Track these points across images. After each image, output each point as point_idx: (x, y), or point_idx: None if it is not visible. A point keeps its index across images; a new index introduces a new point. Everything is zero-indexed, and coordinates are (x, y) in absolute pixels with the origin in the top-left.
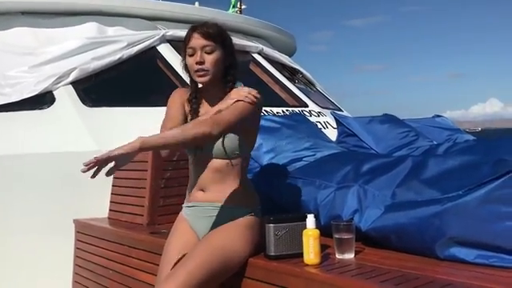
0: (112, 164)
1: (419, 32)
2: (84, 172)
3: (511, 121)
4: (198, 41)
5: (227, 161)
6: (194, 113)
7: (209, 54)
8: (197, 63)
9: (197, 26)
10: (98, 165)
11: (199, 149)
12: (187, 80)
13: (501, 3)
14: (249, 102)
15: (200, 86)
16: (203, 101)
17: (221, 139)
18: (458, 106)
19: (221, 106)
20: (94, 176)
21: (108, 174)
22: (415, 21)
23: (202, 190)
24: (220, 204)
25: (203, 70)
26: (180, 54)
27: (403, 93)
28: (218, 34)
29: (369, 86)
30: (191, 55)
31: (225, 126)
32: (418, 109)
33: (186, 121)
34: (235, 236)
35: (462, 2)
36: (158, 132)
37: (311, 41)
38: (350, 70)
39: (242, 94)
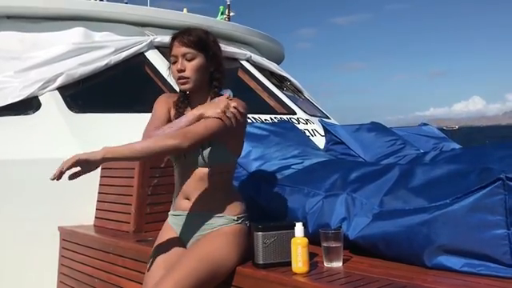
0: (77, 169)
1: (402, 30)
2: (52, 180)
3: (493, 118)
4: (178, 49)
5: (212, 170)
6: (179, 117)
7: (189, 61)
8: (178, 71)
9: (177, 34)
10: (63, 169)
11: (182, 156)
12: (175, 86)
13: (483, 2)
14: (226, 118)
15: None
16: (189, 106)
17: (201, 148)
18: (441, 103)
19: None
20: (58, 179)
21: (70, 177)
22: (399, 19)
23: (188, 199)
24: (206, 213)
25: (184, 77)
26: (168, 60)
27: (386, 91)
28: (198, 41)
29: (352, 85)
30: (174, 63)
31: (195, 139)
32: (402, 107)
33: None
34: (222, 244)
35: (445, 1)
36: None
37: (296, 38)
38: (333, 67)
39: (219, 110)
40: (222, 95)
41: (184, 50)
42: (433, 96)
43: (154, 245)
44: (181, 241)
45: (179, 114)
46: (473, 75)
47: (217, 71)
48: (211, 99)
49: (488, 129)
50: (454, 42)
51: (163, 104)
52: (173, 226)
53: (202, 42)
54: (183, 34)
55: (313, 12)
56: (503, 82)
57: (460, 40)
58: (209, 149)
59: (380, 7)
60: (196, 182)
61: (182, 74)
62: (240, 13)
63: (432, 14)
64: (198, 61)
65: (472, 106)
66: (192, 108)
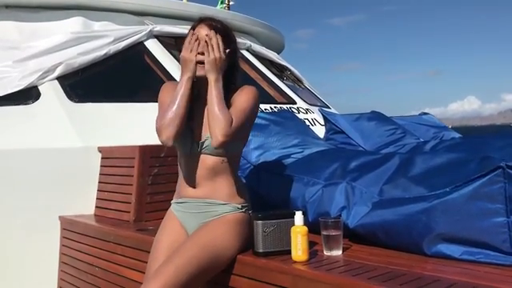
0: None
1: (399, 31)
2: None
3: (488, 118)
4: (204, 32)
5: (221, 158)
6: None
7: None
8: (199, 53)
9: (206, 18)
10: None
11: (195, 145)
12: (175, 76)
13: (478, 3)
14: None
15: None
16: (199, 97)
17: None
18: (436, 103)
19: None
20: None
21: None
22: (395, 20)
23: (194, 187)
24: (211, 200)
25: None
26: (168, 50)
27: (383, 91)
28: (227, 31)
29: (348, 85)
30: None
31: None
32: (398, 106)
33: None
34: (224, 232)
35: (441, 2)
36: (146, 128)
37: (293, 39)
38: (330, 68)
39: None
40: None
41: (211, 34)
42: (429, 96)
43: (158, 232)
44: (184, 227)
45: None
46: (468, 75)
47: (233, 66)
48: (227, 94)
49: (483, 128)
50: (449, 43)
51: (169, 94)
52: (176, 213)
53: (230, 33)
54: (213, 20)
55: (310, 13)
56: (499, 82)
57: (456, 40)
58: None
59: (377, 8)
60: (204, 171)
61: (204, 57)
62: (239, 3)
63: (428, 15)
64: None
65: (467, 106)
66: (204, 97)
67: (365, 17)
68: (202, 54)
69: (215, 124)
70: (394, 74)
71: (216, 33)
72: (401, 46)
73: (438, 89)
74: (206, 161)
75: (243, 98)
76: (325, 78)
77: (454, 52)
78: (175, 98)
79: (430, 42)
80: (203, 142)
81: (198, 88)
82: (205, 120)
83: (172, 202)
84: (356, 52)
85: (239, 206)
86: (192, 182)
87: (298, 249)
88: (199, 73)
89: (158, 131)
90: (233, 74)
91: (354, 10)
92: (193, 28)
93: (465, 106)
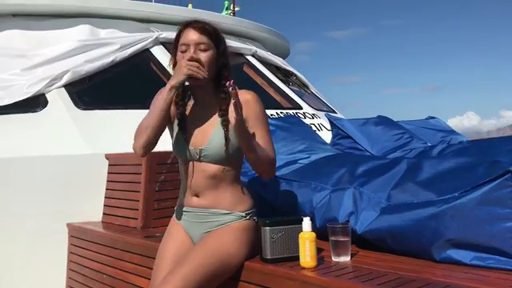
0: None
1: (398, 45)
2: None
3: (487, 135)
4: (192, 36)
5: (223, 166)
6: (181, 114)
7: (203, 51)
8: (190, 60)
9: (190, 22)
10: None
11: (194, 154)
12: None
13: (478, 17)
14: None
15: (187, 84)
16: (192, 103)
17: (224, 147)
18: None
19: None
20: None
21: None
22: (394, 34)
23: (197, 196)
24: (215, 210)
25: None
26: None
27: (381, 105)
28: (212, 32)
29: (347, 98)
30: (184, 52)
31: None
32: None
33: (169, 122)
34: (230, 240)
35: (441, 17)
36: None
37: (295, 51)
38: (329, 81)
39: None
40: (230, 92)
41: (199, 38)
42: (428, 110)
43: (163, 240)
44: (189, 236)
45: (180, 112)
46: (468, 91)
47: (225, 68)
48: (220, 97)
49: None
50: (449, 58)
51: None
52: (180, 221)
53: (217, 34)
54: (198, 23)
55: (310, 26)
56: (498, 99)
57: (456, 55)
58: (229, 146)
59: (377, 22)
60: (206, 179)
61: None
62: (243, 11)
63: (427, 29)
64: (211, 53)
65: (467, 122)
66: (198, 104)
67: (365, 30)
68: (195, 60)
69: (263, 165)
70: (392, 88)
71: (206, 36)
72: (400, 59)
73: (437, 103)
74: (208, 169)
75: (257, 111)
76: (324, 90)
77: (454, 67)
78: (153, 107)
79: (429, 57)
80: (201, 150)
81: (192, 95)
82: (202, 128)
83: (176, 208)
84: (355, 65)
85: (243, 214)
86: (195, 191)
87: (306, 255)
88: (190, 81)
89: (134, 138)
90: (225, 77)
91: (355, 24)
92: (179, 34)
93: (464, 122)
